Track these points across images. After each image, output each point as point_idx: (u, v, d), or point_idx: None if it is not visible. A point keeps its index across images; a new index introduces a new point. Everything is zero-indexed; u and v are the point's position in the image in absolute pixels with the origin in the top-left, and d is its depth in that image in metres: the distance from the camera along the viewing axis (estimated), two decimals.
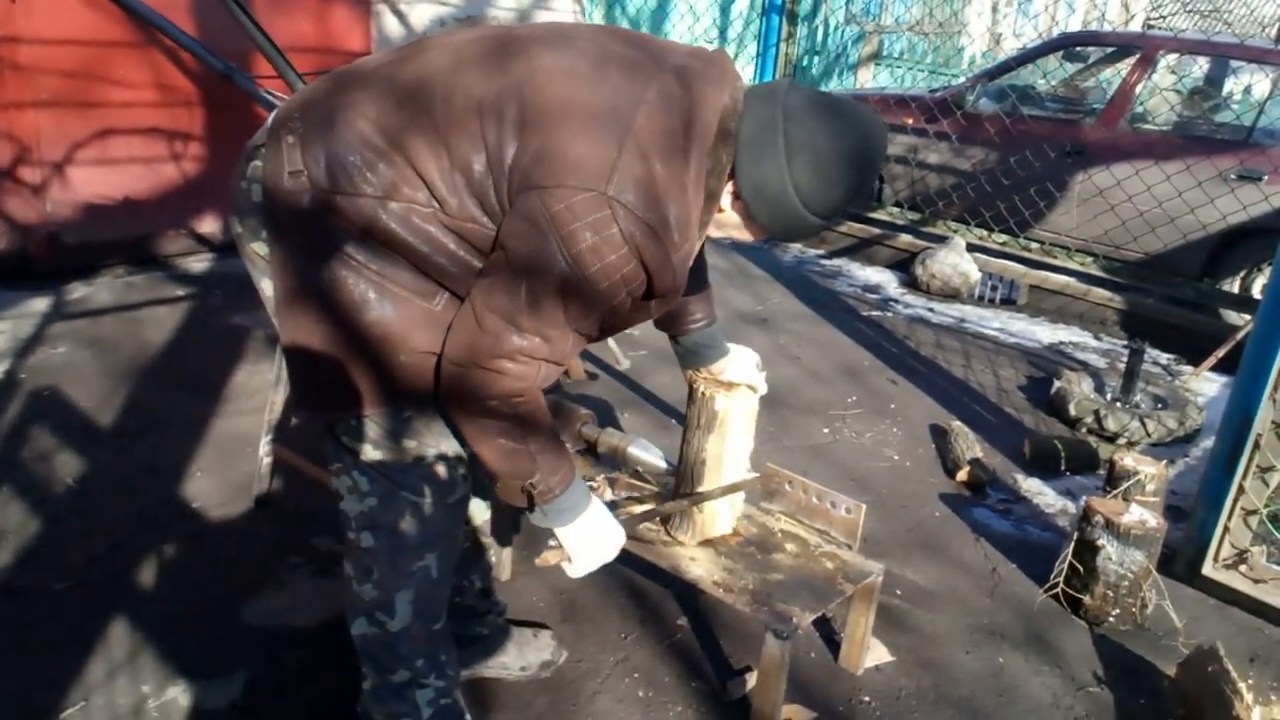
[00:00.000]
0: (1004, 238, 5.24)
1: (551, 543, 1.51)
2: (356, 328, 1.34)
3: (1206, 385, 4.00)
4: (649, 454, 2.02)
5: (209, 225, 4.55)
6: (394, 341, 1.35)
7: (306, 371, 1.40)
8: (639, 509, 1.96)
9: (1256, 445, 2.37)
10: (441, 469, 1.47)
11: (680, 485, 1.97)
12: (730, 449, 1.90)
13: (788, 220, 1.36)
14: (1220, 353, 3.82)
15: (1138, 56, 5.14)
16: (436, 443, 1.44)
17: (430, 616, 1.57)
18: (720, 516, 1.98)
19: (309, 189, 1.31)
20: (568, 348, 1.33)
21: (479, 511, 1.82)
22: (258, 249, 1.41)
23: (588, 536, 1.49)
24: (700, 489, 1.92)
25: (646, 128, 1.26)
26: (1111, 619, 2.27)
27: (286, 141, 1.33)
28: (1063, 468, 3.09)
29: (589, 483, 2.07)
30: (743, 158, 1.33)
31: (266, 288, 1.43)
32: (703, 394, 1.87)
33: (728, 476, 1.93)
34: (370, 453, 1.43)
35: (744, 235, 1.46)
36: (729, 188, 1.37)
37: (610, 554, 1.53)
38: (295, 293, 1.37)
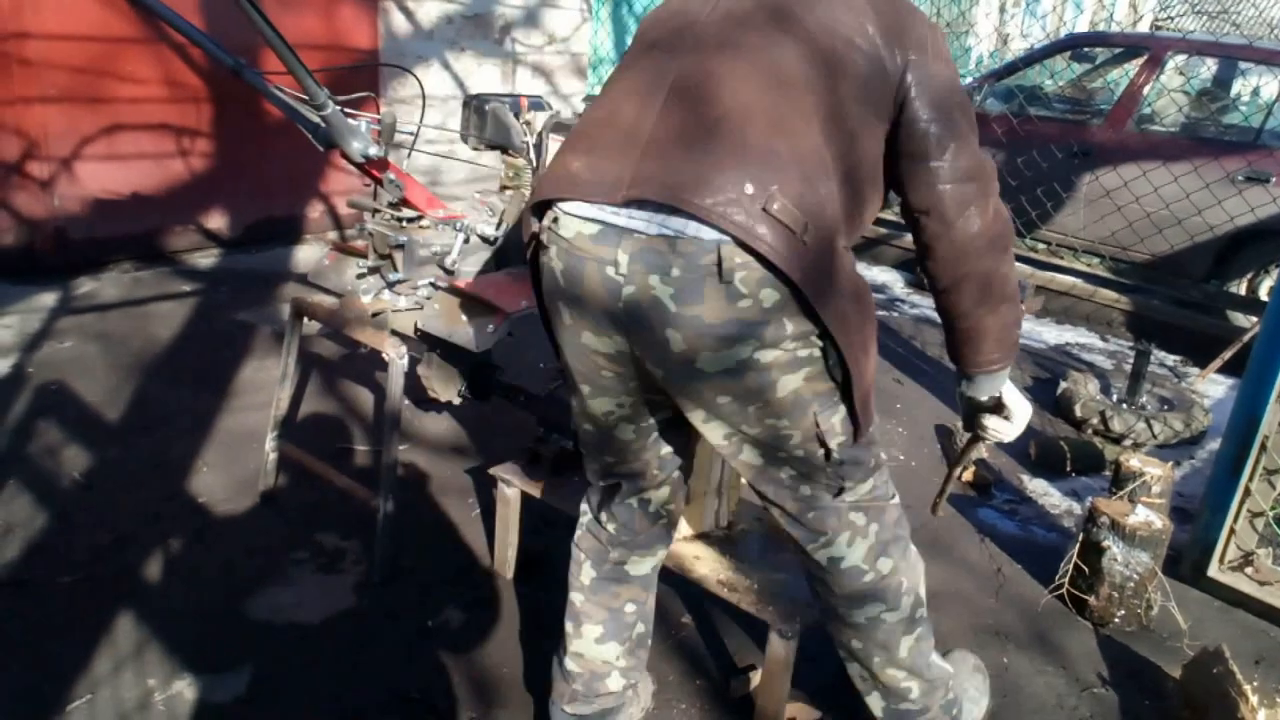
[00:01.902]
0: None
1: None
2: (869, 305, 1.36)
3: (1213, 387, 3.99)
4: None
5: (216, 221, 4.56)
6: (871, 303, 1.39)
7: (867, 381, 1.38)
8: None
9: (1263, 447, 2.36)
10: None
11: None
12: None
13: None
14: (1227, 355, 3.81)
15: (1145, 57, 5.12)
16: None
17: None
18: (709, 512, 1.98)
19: (805, 223, 1.21)
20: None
21: None
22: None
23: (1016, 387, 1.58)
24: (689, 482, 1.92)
25: None
26: (1116, 620, 2.27)
27: (772, 195, 1.19)
28: (1068, 469, 3.08)
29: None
30: None
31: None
32: None
33: (717, 472, 1.94)
34: (856, 485, 1.46)
35: None
36: None
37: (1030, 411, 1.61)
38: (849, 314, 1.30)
